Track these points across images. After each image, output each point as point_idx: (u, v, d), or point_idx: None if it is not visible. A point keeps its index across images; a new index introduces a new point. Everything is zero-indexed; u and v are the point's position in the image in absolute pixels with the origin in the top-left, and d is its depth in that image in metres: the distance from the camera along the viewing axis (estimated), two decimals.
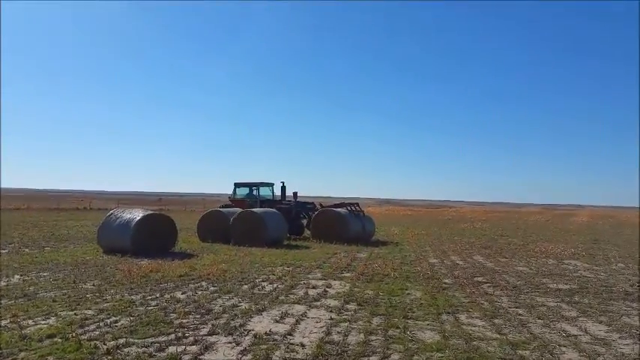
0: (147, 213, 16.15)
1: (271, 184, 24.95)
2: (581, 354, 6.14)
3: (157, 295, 9.02)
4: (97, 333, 6.50)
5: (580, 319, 8.07)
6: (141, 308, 7.99)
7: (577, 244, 22.54)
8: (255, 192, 24.60)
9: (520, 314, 8.27)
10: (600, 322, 7.86)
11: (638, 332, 7.26)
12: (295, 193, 24.38)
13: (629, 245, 22.96)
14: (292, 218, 23.16)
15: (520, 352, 6.13)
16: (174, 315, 7.54)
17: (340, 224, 21.06)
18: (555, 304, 9.21)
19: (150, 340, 6.26)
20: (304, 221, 23.58)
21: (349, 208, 22.20)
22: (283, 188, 24.47)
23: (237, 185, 24.91)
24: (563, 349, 6.35)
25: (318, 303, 8.73)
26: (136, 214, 15.85)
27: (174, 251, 16.03)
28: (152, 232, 15.71)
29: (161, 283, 10.26)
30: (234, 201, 24.33)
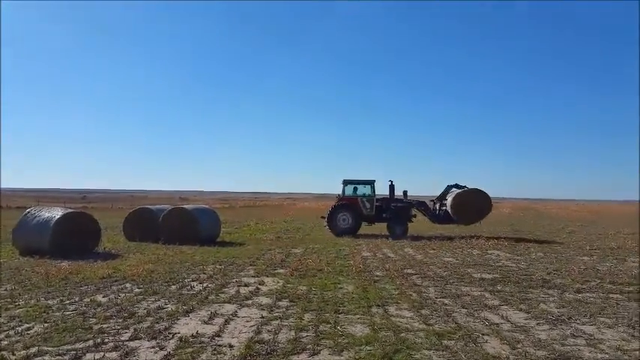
0: (67, 212, 15.28)
1: (372, 182, 23.24)
2: (503, 342, 6.37)
3: (76, 299, 8.51)
4: (6, 342, 6.02)
5: (502, 307, 8.41)
6: (57, 313, 7.50)
7: (499, 235, 23.65)
8: (359, 190, 23.36)
9: (446, 304, 8.51)
10: (520, 310, 8.22)
11: (553, 318, 7.65)
12: (405, 192, 23.78)
13: (548, 235, 24.37)
14: (405, 217, 22.94)
15: (445, 342, 6.28)
16: (94, 320, 7.13)
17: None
18: (479, 293, 9.57)
19: (65, 347, 5.87)
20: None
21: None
22: (392, 187, 22.90)
23: (345, 183, 23.39)
24: (486, 337, 6.57)
25: (250, 301, 8.57)
26: (55, 213, 14.95)
27: (97, 252, 15.28)
28: (73, 232, 14.89)
29: (81, 286, 9.70)
30: (344, 199, 22.95)
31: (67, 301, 8.34)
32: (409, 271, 12.22)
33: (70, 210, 15.78)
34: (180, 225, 18.24)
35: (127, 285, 9.92)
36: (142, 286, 9.82)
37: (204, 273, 11.52)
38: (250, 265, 12.97)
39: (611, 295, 9.41)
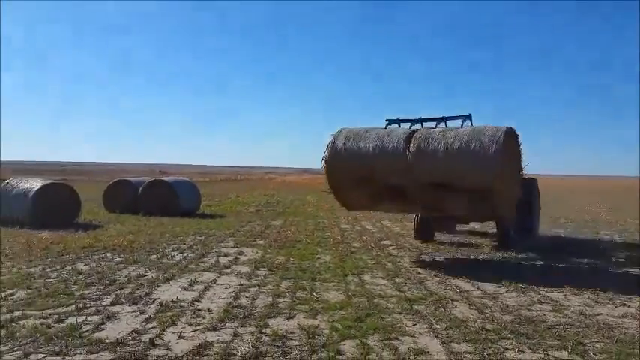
0: (46, 182, 15.24)
1: None
2: (472, 307, 6.68)
3: (58, 267, 8.62)
4: None
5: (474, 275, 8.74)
6: (40, 280, 7.61)
7: None
8: None
9: (420, 273, 8.83)
10: (492, 278, 8.52)
11: (523, 286, 7.96)
12: None
13: None
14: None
15: (416, 306, 6.58)
16: (76, 286, 7.27)
17: None
18: (453, 262, 9.91)
19: (49, 311, 6.02)
20: None
21: None
22: None
23: None
24: (456, 303, 6.86)
25: (229, 270, 8.77)
26: (34, 184, 14.90)
27: (77, 223, 15.28)
28: (53, 203, 14.85)
29: (62, 255, 9.81)
30: None
31: (49, 269, 8.45)
32: (386, 242, 12.55)
33: (49, 181, 15.71)
34: (159, 197, 18.29)
35: (108, 254, 10.05)
36: (122, 255, 9.96)
37: (184, 243, 11.68)
38: (230, 236, 13.16)
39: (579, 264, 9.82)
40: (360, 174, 9.64)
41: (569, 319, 6.16)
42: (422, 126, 10.46)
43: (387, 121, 10.73)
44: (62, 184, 16.81)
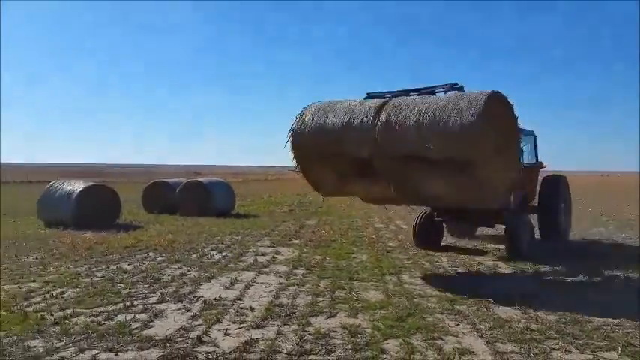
0: (88, 184, 15.75)
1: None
2: (514, 307, 6.54)
3: (103, 267, 8.91)
4: (43, 305, 6.41)
5: (515, 275, 8.64)
6: (87, 279, 7.90)
7: None
8: None
9: (459, 272, 8.76)
10: (534, 278, 8.41)
11: (568, 287, 7.81)
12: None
13: None
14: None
15: (457, 306, 6.54)
16: (122, 285, 7.52)
17: None
18: (492, 262, 9.76)
19: (98, 309, 6.24)
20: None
21: None
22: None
23: None
24: (498, 303, 6.75)
25: (267, 269, 8.89)
26: (77, 186, 15.41)
27: (118, 223, 15.72)
28: (94, 204, 15.32)
29: (107, 255, 10.13)
30: None
31: (95, 269, 8.74)
32: None
33: (91, 183, 16.23)
34: (196, 198, 18.67)
35: (150, 254, 10.32)
36: (164, 254, 10.22)
37: (222, 243, 11.90)
38: (266, 235, 13.33)
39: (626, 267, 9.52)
40: (327, 148, 8.53)
41: (617, 320, 6.02)
42: None
43: (367, 94, 9.33)
44: (103, 185, 17.35)
